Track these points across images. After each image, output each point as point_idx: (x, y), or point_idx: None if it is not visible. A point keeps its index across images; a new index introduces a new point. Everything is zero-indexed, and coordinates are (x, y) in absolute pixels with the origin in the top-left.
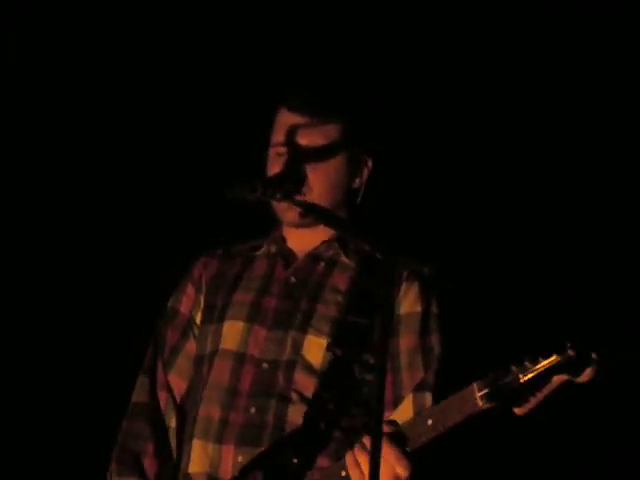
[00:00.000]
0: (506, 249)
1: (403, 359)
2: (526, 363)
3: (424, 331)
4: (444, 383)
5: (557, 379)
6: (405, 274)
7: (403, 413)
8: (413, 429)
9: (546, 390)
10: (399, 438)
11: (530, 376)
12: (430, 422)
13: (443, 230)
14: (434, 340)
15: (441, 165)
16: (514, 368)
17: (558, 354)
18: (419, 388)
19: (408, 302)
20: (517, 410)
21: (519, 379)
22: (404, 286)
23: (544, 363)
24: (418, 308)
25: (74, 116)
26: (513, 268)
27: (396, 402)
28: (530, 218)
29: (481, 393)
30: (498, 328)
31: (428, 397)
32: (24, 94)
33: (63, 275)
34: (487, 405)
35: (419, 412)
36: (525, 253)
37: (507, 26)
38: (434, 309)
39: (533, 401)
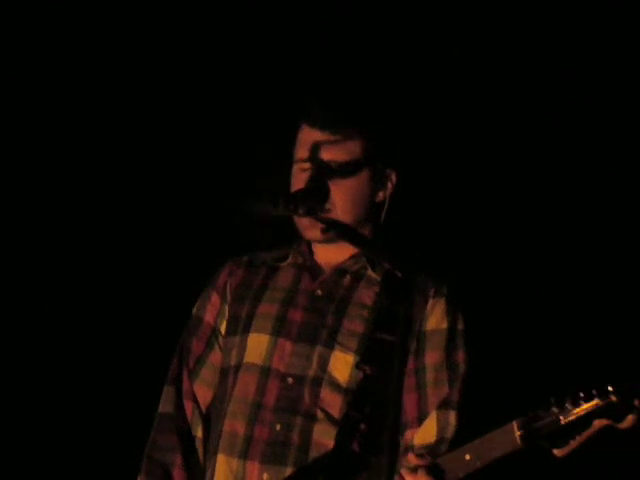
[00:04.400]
0: (552, 279)
1: (429, 376)
2: (567, 405)
3: (449, 348)
4: (479, 405)
5: (598, 423)
6: (432, 290)
7: (427, 431)
8: (450, 463)
9: (587, 433)
10: (437, 471)
11: (571, 419)
12: (468, 457)
13: (472, 246)
14: (459, 357)
15: (465, 178)
16: (555, 409)
17: (600, 399)
18: (443, 406)
19: (434, 319)
20: (557, 452)
21: (560, 421)
22: (430, 302)
23: (585, 407)
24: (444, 325)
25: (97, 127)
26: (557, 302)
27: (421, 419)
28: (568, 249)
29: (521, 432)
30: (538, 361)
31: (452, 415)
32: (24, 94)
33: (89, 285)
34: (526, 444)
35: (442, 433)
36: (573, 292)
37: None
38: (460, 326)
39: (573, 444)
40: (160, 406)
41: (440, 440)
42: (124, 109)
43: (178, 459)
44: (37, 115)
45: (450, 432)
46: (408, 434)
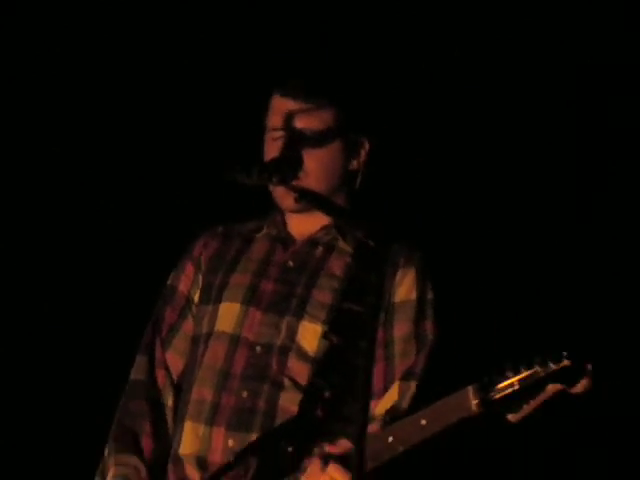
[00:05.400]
0: (509, 251)
1: (397, 347)
2: (522, 370)
3: (418, 319)
4: (438, 375)
5: (552, 388)
6: (402, 260)
7: (387, 401)
8: (405, 429)
9: (540, 398)
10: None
11: (525, 384)
12: (423, 422)
13: (444, 218)
14: (428, 327)
15: (438, 147)
16: (510, 374)
17: (554, 363)
18: (406, 376)
19: (403, 289)
20: (510, 417)
21: (514, 385)
22: (400, 273)
23: (540, 371)
24: (413, 295)
25: (60, 95)
26: (514, 271)
27: (386, 390)
28: (535, 218)
29: (476, 397)
30: (493, 327)
31: (413, 385)
32: (24, 94)
33: (62, 257)
34: (481, 410)
35: (401, 403)
36: (529, 258)
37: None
38: (429, 296)
39: (527, 409)
40: (132, 373)
41: (397, 409)
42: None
43: (147, 426)
44: (37, 115)
45: (408, 402)
46: (372, 404)
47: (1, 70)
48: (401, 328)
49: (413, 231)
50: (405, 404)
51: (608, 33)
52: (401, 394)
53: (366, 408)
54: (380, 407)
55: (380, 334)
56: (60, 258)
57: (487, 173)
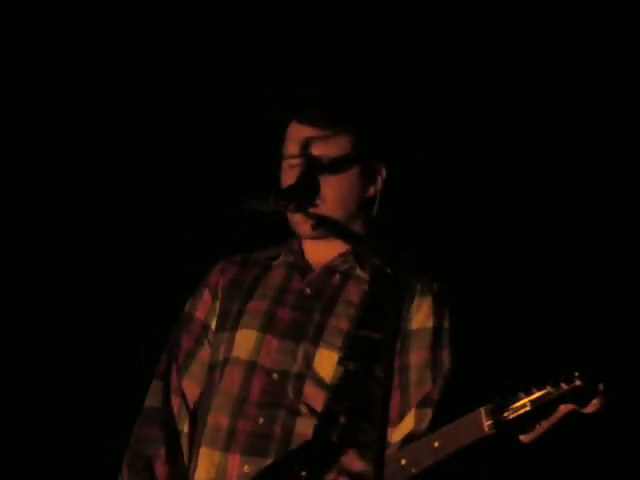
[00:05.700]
0: (522, 272)
1: (412, 375)
2: (533, 391)
3: (435, 347)
4: (452, 400)
5: (564, 408)
6: (419, 288)
7: (404, 428)
8: (418, 451)
9: (552, 419)
10: None
11: (537, 404)
12: (436, 444)
13: (459, 243)
14: (444, 356)
15: (457, 175)
16: (521, 395)
17: (566, 383)
18: (422, 404)
19: (420, 317)
20: (522, 437)
21: (526, 406)
22: (416, 300)
23: (552, 392)
24: (430, 323)
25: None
26: (527, 293)
27: (402, 417)
28: (552, 240)
29: (489, 418)
30: (506, 351)
31: (429, 413)
32: (24, 94)
33: (80, 286)
34: (494, 431)
35: (416, 430)
36: (542, 280)
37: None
38: (446, 324)
39: (539, 429)
40: (147, 400)
41: (414, 436)
42: (119, 105)
43: (162, 452)
44: (37, 115)
45: (424, 429)
46: (389, 432)
47: (1, 70)
48: (417, 356)
49: (429, 258)
50: (421, 431)
51: (607, 33)
52: (417, 421)
53: (383, 435)
54: (396, 434)
55: (396, 361)
56: (78, 288)
57: (506, 200)
